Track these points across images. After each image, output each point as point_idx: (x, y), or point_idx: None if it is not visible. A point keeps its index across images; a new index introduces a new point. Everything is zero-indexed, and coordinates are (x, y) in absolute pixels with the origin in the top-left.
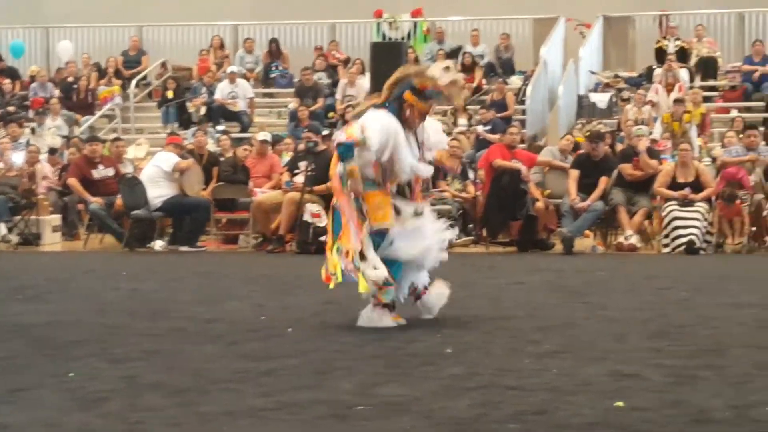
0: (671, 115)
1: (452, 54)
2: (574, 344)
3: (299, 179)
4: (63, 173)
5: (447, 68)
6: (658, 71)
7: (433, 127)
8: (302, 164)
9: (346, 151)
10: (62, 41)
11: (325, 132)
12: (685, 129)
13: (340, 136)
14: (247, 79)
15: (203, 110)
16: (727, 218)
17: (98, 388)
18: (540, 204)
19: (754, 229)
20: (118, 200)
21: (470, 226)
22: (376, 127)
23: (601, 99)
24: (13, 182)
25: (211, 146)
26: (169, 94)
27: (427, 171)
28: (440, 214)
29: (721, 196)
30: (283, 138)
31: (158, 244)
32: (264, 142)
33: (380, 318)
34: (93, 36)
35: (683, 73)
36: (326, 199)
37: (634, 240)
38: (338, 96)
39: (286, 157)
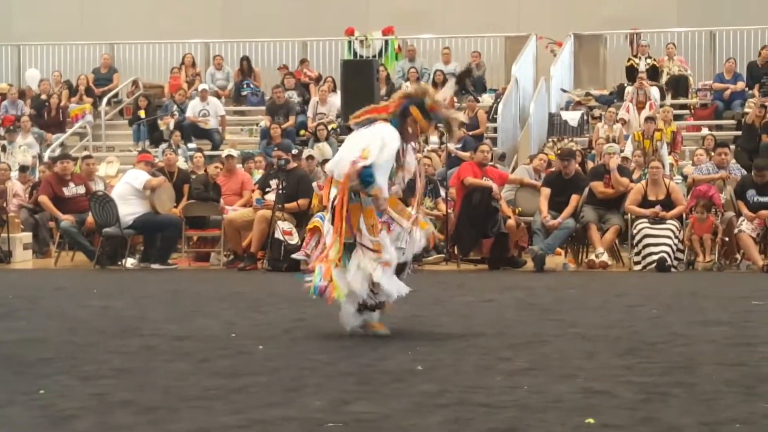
0: (642, 133)
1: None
2: (544, 361)
3: (270, 197)
4: (34, 191)
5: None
6: (629, 89)
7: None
8: (273, 182)
9: (370, 175)
10: (30, 69)
11: (295, 150)
12: (656, 147)
13: (360, 161)
14: (219, 97)
15: (172, 125)
16: (698, 236)
17: (69, 405)
18: (511, 222)
19: (726, 239)
20: (89, 218)
21: (441, 243)
22: (390, 143)
23: (572, 117)
24: None
25: (181, 164)
26: (141, 113)
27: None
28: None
29: (696, 205)
30: (253, 155)
31: (129, 262)
32: (229, 157)
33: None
34: (64, 54)
35: (654, 91)
36: (297, 216)
37: (605, 258)
38: (310, 114)
39: (257, 174)
